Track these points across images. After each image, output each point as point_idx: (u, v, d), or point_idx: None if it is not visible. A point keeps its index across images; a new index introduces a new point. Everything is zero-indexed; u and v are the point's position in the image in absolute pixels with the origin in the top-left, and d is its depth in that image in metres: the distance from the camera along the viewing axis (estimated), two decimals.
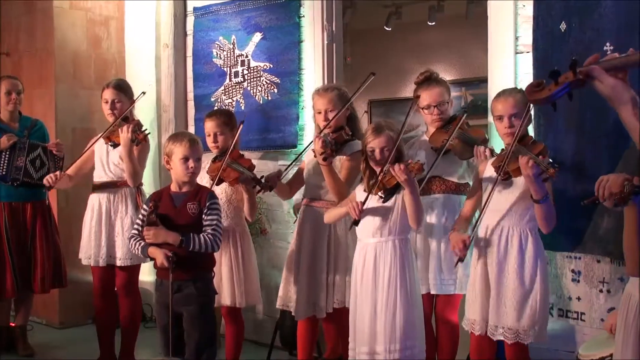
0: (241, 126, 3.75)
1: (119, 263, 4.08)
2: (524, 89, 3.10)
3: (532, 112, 3.23)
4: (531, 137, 3.04)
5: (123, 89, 4.19)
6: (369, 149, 3.19)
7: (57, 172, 4.14)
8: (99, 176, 4.18)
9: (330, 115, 3.54)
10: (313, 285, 3.59)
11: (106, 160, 4.15)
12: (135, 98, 4.25)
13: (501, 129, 3.05)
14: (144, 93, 4.30)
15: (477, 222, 3.03)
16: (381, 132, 3.17)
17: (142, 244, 3.24)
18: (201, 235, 3.19)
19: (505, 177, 2.96)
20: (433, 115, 3.50)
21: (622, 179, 1.88)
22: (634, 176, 1.87)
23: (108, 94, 4.15)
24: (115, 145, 4.08)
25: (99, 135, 4.17)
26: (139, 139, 3.93)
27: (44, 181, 4.08)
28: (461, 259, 3.02)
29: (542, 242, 3.35)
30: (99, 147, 4.20)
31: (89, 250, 4.14)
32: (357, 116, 3.79)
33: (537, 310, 2.96)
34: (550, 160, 2.85)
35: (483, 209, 3.01)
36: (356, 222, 3.15)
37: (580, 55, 3.23)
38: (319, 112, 3.61)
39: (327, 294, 3.59)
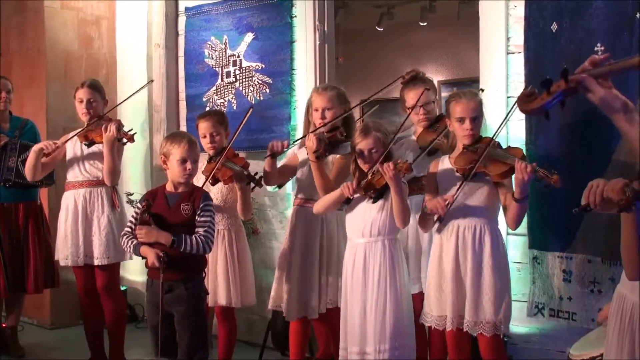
0: (251, 110, 3.76)
1: (96, 262, 4.05)
2: (513, 89, 3.13)
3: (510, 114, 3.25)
4: (491, 138, 3.05)
5: (97, 89, 4.17)
6: (358, 150, 3.20)
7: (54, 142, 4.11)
8: (74, 176, 4.13)
9: (328, 114, 3.55)
10: (305, 285, 3.59)
11: (81, 159, 4.11)
12: (143, 85, 4.26)
13: (461, 130, 3.10)
14: (152, 81, 4.30)
15: (452, 200, 3.04)
16: (369, 133, 3.18)
17: (134, 242, 3.23)
18: (193, 236, 3.18)
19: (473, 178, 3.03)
20: (419, 116, 3.52)
21: (621, 184, 1.87)
22: (632, 180, 1.86)
23: (83, 94, 4.12)
24: (91, 144, 4.04)
25: (75, 132, 4.13)
26: (126, 138, 3.93)
27: (42, 146, 4.06)
28: (440, 218, 3.07)
29: (534, 241, 3.38)
30: (72, 147, 4.16)
31: (65, 250, 4.10)
32: (353, 118, 3.79)
33: (510, 303, 3.06)
34: (545, 166, 2.86)
35: (450, 204, 3.03)
36: (348, 201, 3.17)
37: (572, 56, 3.27)
38: (317, 110, 3.61)
39: (319, 295, 3.59)
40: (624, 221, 1.97)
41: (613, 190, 1.89)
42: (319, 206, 3.39)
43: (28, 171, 4.11)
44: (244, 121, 3.75)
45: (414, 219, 3.34)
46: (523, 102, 2.02)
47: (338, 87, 3.71)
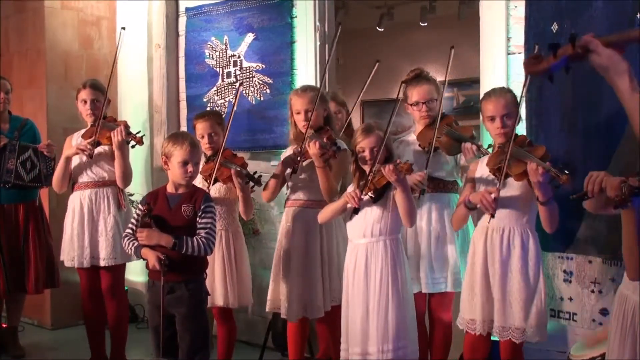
0: (240, 87, 3.75)
1: (102, 263, 4.04)
2: (513, 89, 3.13)
3: (524, 111, 3.25)
4: (525, 137, 3.03)
5: (100, 89, 4.14)
6: (359, 149, 3.20)
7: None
8: (80, 177, 4.11)
9: (312, 115, 3.53)
10: (306, 286, 3.58)
11: (87, 160, 4.07)
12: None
13: (493, 129, 3.05)
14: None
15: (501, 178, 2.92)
16: (371, 132, 3.18)
17: (136, 244, 3.22)
18: (194, 238, 3.17)
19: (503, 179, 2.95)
20: (421, 112, 3.51)
21: (618, 181, 1.87)
22: (629, 177, 1.86)
23: (86, 94, 4.09)
24: (96, 145, 4.01)
25: (91, 138, 4.06)
26: (135, 140, 3.92)
27: (76, 151, 4.03)
28: (493, 215, 2.91)
29: None
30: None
31: (71, 251, 4.09)
32: (333, 116, 3.79)
33: (542, 308, 2.97)
34: (560, 165, 2.82)
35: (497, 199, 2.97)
36: (356, 211, 3.15)
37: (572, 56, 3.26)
38: (298, 113, 3.61)
39: (323, 293, 3.59)
40: (624, 220, 1.97)
41: (611, 187, 1.90)
42: (323, 215, 3.39)
43: (58, 182, 4.08)
44: (235, 103, 3.77)
45: None
46: (530, 64, 2.04)
47: (317, 87, 3.71)
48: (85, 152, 3.98)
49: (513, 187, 2.99)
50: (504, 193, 2.96)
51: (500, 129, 3.01)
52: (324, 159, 3.39)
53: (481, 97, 3.21)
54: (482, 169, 3.14)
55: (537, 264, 2.99)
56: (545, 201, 2.82)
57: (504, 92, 3.09)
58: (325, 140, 3.46)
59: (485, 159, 3.14)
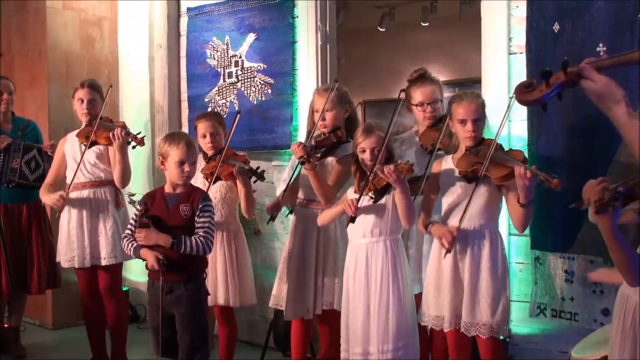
0: (238, 116, 3.73)
1: (103, 262, 4.03)
2: (514, 89, 3.12)
3: (525, 112, 3.25)
4: (495, 141, 3.04)
5: (97, 89, 4.15)
6: (360, 149, 3.20)
7: (62, 194, 4.03)
8: (76, 177, 4.05)
9: (327, 115, 3.55)
10: (302, 286, 3.60)
11: (81, 160, 4.05)
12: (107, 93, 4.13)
13: (464, 132, 3.09)
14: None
15: (462, 215, 3.03)
16: (372, 132, 3.19)
17: (135, 245, 3.23)
18: (193, 237, 3.17)
19: (473, 180, 3.02)
20: (425, 113, 3.51)
21: (601, 186, 1.86)
22: (616, 183, 1.85)
23: (83, 94, 4.10)
24: (92, 145, 4.00)
25: (87, 137, 4.04)
26: (135, 142, 3.92)
27: (55, 206, 4.05)
28: (449, 251, 3.04)
29: (536, 242, 3.37)
30: (71, 148, 4.13)
31: (69, 252, 4.07)
32: (357, 118, 3.80)
33: (507, 305, 3.05)
34: (547, 171, 2.85)
35: (465, 210, 3.02)
36: (353, 219, 3.15)
37: (573, 56, 3.26)
38: (317, 111, 3.62)
39: (315, 296, 3.60)
40: (601, 228, 1.93)
41: (592, 192, 1.87)
42: (322, 219, 3.42)
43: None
44: (233, 127, 3.72)
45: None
46: (521, 92, 1.99)
47: (339, 87, 3.71)
48: (57, 206, 4.02)
49: (481, 190, 3.04)
50: (476, 193, 3.03)
51: (471, 132, 3.06)
52: (300, 161, 3.43)
53: (485, 97, 3.23)
54: (448, 169, 3.17)
55: (504, 263, 3.09)
56: (526, 204, 2.88)
57: (475, 97, 3.13)
58: (311, 143, 3.50)
59: (448, 159, 3.20)
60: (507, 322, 3.10)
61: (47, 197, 4.11)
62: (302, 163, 3.44)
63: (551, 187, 2.76)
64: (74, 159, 4.09)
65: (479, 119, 3.07)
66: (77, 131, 4.12)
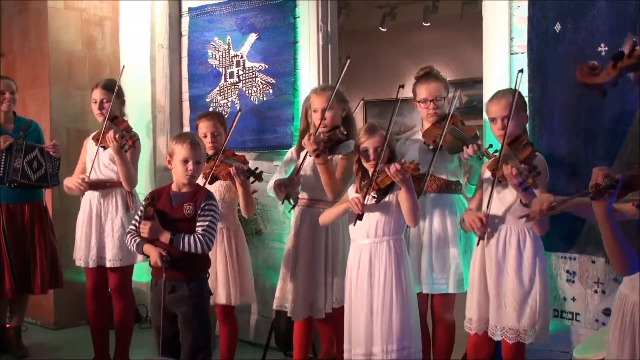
0: (239, 114, 3.75)
1: (108, 264, 4.07)
2: (518, 90, 3.12)
3: (527, 113, 3.25)
4: (525, 138, 3.03)
5: (111, 89, 4.16)
6: (362, 149, 3.20)
7: (83, 177, 4.11)
8: (91, 177, 4.12)
9: (327, 114, 3.56)
10: (311, 286, 3.59)
11: (96, 160, 4.11)
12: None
13: (495, 130, 3.09)
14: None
15: (488, 204, 3.02)
16: (375, 132, 3.19)
17: (138, 240, 3.24)
18: (192, 235, 3.18)
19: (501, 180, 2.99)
20: (429, 110, 3.51)
21: (602, 173, 1.86)
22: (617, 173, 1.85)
23: (97, 94, 4.15)
24: (105, 147, 4.03)
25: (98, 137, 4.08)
26: (127, 145, 3.93)
27: (75, 188, 4.10)
28: (481, 237, 3.03)
29: None
30: (90, 147, 4.19)
31: (80, 251, 4.14)
32: (352, 116, 3.80)
33: (537, 310, 2.98)
34: (535, 166, 2.86)
35: (487, 210, 3.02)
36: (360, 217, 3.14)
37: (575, 56, 3.27)
38: (315, 111, 3.63)
39: (325, 295, 3.60)
40: (596, 212, 1.94)
41: (596, 177, 1.87)
42: (324, 219, 3.41)
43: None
44: (234, 125, 3.76)
45: None
46: (586, 74, 1.93)
47: (336, 86, 3.72)
48: (81, 188, 4.09)
49: (511, 188, 2.99)
50: (504, 193, 3.02)
51: (500, 131, 3.04)
52: (315, 153, 3.43)
53: (486, 97, 3.23)
54: (486, 171, 3.18)
55: (533, 265, 3.00)
56: (527, 203, 2.83)
57: (507, 94, 3.10)
58: (323, 136, 3.49)
59: (487, 162, 3.18)
60: (538, 327, 3.01)
61: (69, 180, 4.19)
62: (318, 156, 3.44)
63: (528, 185, 2.77)
64: (90, 158, 4.16)
65: (509, 117, 3.00)
66: (95, 133, 4.18)
